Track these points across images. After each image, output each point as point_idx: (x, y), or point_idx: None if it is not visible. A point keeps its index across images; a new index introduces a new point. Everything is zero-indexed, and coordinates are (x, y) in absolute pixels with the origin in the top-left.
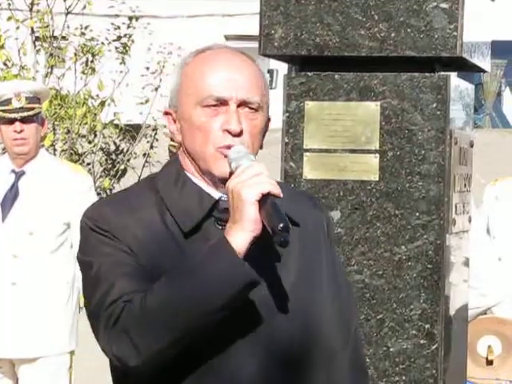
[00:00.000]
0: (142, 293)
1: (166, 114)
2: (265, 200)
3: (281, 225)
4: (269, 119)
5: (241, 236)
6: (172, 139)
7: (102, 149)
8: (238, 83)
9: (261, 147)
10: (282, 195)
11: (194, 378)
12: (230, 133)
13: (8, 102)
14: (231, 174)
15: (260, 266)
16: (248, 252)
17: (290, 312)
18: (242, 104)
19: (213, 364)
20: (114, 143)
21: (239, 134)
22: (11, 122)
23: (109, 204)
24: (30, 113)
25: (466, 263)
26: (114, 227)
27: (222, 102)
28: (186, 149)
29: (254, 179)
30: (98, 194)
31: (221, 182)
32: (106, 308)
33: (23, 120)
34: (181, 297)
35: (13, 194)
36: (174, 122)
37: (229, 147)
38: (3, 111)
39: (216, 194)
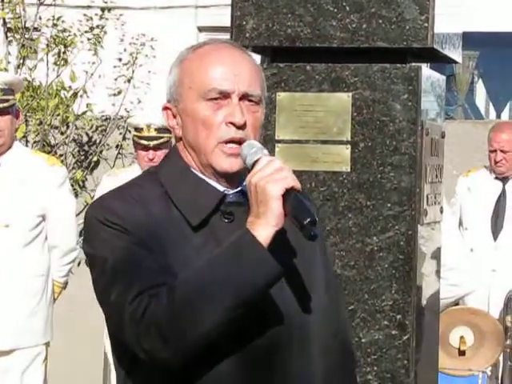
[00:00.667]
0: (165, 286)
1: (166, 109)
2: (288, 194)
3: (308, 219)
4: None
5: (265, 230)
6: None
7: (74, 140)
8: (240, 77)
9: None
10: (300, 190)
11: (211, 363)
12: (234, 125)
13: None
14: (245, 168)
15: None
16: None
17: (295, 302)
18: (244, 97)
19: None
20: (87, 134)
21: (243, 127)
22: None
23: (116, 198)
24: (5, 104)
25: (438, 254)
26: (125, 221)
27: (225, 95)
28: (189, 143)
29: (277, 174)
30: (71, 185)
31: (221, 176)
32: (130, 302)
33: None
34: (214, 290)
35: None
36: (174, 116)
37: (233, 140)
38: None
39: (220, 187)
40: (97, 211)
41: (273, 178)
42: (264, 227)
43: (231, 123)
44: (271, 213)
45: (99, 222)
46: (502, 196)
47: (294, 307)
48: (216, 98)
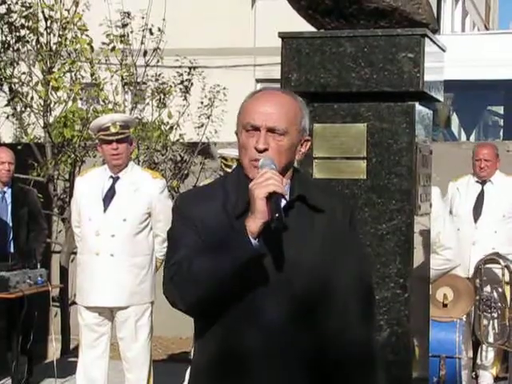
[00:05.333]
0: (189, 258)
1: (236, 134)
2: (272, 197)
3: (276, 215)
4: (306, 140)
5: (254, 222)
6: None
7: (171, 159)
8: (268, 115)
9: (294, 161)
10: (285, 194)
11: (232, 324)
12: (256, 150)
13: (107, 128)
14: None
15: (275, 241)
16: (265, 232)
17: (309, 272)
18: (270, 130)
19: (245, 313)
20: (180, 155)
21: (263, 151)
22: (109, 142)
23: (189, 194)
24: (123, 136)
25: (428, 235)
26: (187, 212)
27: (256, 128)
28: None
29: (265, 182)
30: (169, 191)
31: None
32: (168, 268)
33: (118, 141)
34: (211, 265)
35: (111, 192)
36: (239, 141)
37: (257, 160)
38: (104, 135)
39: None
40: (175, 203)
41: (260, 185)
42: (253, 220)
43: (255, 148)
44: (257, 210)
45: (174, 209)
46: (481, 194)
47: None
48: (250, 129)
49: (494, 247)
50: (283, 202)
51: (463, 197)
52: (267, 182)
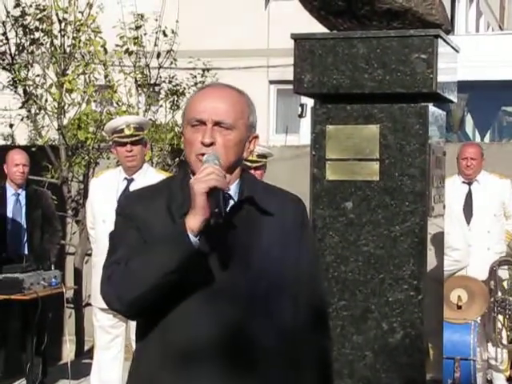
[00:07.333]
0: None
1: (182, 133)
2: (212, 192)
3: (216, 210)
4: (255, 137)
5: (194, 218)
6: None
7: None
8: (214, 109)
9: (242, 158)
10: (226, 188)
11: (168, 327)
12: (203, 144)
13: (121, 130)
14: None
15: (220, 240)
16: (207, 228)
17: (257, 274)
18: (217, 124)
19: (182, 314)
20: None
21: (210, 145)
22: (124, 144)
23: (132, 194)
24: (137, 138)
25: (441, 237)
26: (128, 212)
27: (202, 122)
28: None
29: (205, 177)
30: None
31: None
32: (107, 268)
33: (132, 143)
34: (148, 262)
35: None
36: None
37: (203, 154)
38: (118, 137)
39: None
40: (118, 204)
41: (200, 180)
42: (193, 216)
43: (202, 143)
44: (197, 205)
45: (116, 210)
46: (469, 195)
47: (238, 272)
48: (196, 125)
49: (489, 247)
50: (231, 202)
51: (452, 198)
52: (208, 176)
